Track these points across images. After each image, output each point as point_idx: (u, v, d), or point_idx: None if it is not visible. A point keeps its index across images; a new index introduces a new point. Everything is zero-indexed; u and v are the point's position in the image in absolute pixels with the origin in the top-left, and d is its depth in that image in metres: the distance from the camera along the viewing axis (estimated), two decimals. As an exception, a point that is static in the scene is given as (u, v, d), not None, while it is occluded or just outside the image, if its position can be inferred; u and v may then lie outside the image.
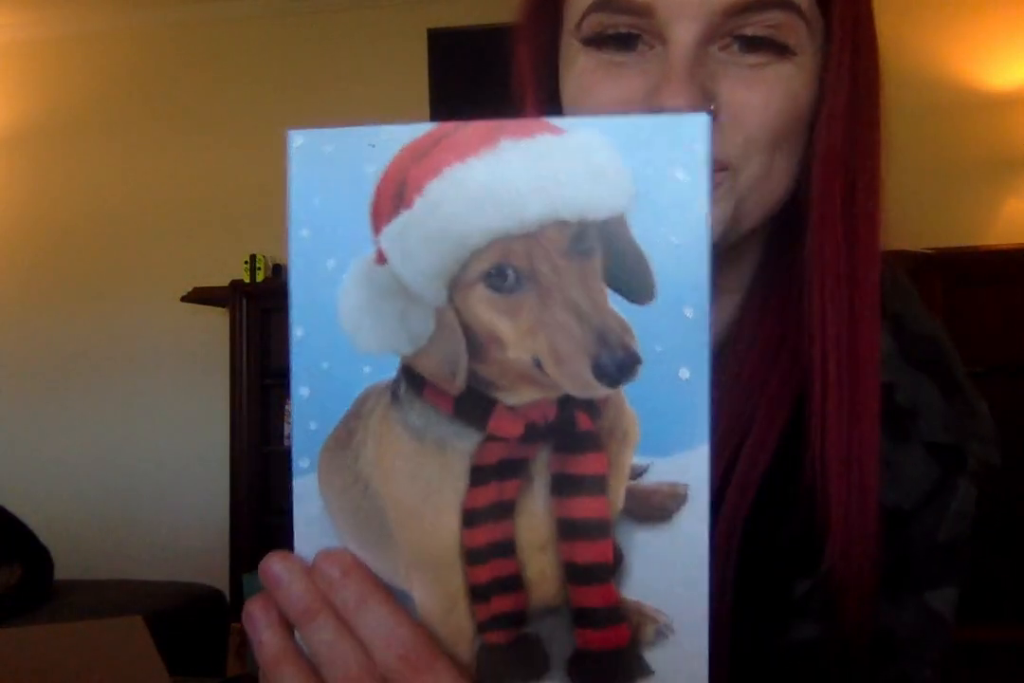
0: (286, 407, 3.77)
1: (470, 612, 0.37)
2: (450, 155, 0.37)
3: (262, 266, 3.63)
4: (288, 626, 0.37)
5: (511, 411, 0.36)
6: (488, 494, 0.36)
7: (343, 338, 0.39)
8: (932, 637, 0.55)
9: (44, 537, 2.60)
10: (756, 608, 0.53)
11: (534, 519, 0.37)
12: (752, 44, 0.50)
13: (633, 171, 0.35)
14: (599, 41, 0.52)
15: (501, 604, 0.37)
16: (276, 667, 0.36)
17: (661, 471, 0.36)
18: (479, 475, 0.37)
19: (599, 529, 0.36)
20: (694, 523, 0.36)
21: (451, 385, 0.36)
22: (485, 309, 0.36)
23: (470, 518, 0.37)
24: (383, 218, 0.37)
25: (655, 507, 0.36)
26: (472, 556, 0.37)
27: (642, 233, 0.35)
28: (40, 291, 4.06)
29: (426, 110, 3.56)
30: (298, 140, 0.43)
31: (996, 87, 3.36)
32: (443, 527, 0.37)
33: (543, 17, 0.57)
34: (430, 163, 0.38)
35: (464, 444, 0.37)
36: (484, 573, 0.37)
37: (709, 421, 0.36)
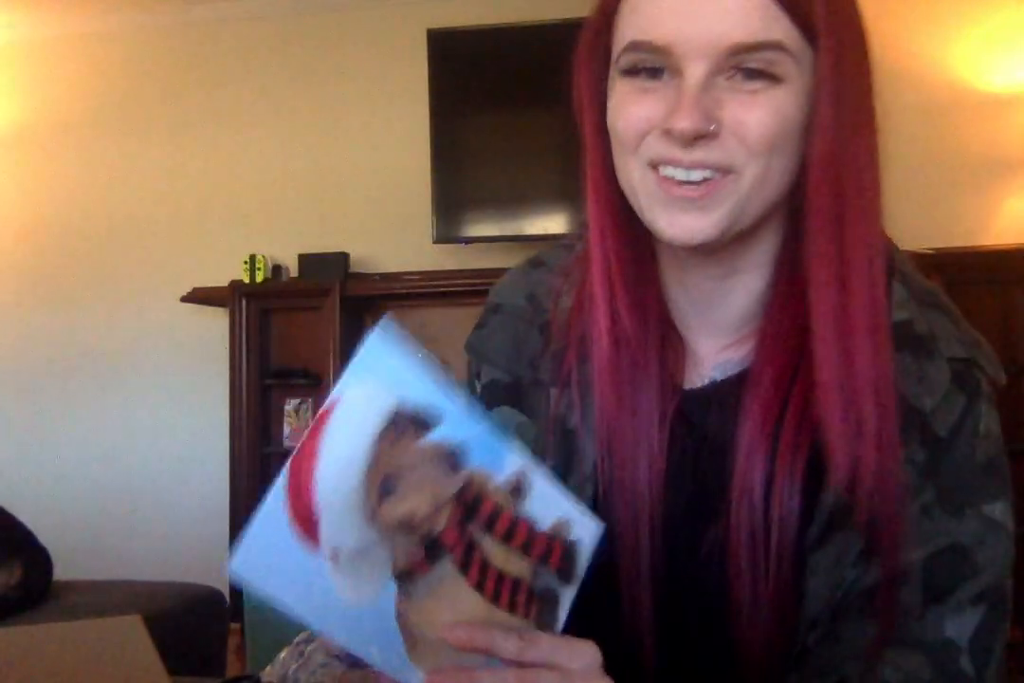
0: (285, 407, 3.78)
1: None
2: None
3: (262, 266, 3.63)
4: None
5: None
6: None
7: None
8: (1001, 545, 0.66)
9: (44, 537, 2.60)
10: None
11: None
12: (751, 74, 0.63)
13: None
14: (633, 71, 0.66)
15: None
16: None
17: None
18: None
19: None
20: None
21: None
22: None
23: None
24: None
25: None
26: None
27: None
28: (39, 291, 4.07)
29: (426, 110, 3.57)
30: None
31: (996, 87, 3.36)
32: None
33: (596, 53, 0.70)
34: None
35: None
36: None
37: None
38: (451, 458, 0.51)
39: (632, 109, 0.66)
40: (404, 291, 3.59)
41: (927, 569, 0.65)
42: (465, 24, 3.58)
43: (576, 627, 0.57)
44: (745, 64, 0.63)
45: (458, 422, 0.51)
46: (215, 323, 3.79)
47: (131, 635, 1.17)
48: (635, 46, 0.65)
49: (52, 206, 4.07)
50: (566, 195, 3.32)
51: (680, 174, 0.64)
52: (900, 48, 3.28)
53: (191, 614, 2.52)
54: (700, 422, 0.70)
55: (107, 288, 4.00)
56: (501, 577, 0.53)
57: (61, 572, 2.62)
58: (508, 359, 0.77)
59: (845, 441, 0.63)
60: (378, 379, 0.49)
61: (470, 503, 0.52)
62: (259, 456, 3.59)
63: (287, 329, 3.73)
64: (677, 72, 0.64)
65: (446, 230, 3.58)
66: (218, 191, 3.89)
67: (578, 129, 0.72)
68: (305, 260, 3.62)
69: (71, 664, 1.13)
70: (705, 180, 0.64)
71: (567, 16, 3.05)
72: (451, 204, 3.57)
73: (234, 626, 2.84)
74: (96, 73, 4.06)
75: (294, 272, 3.69)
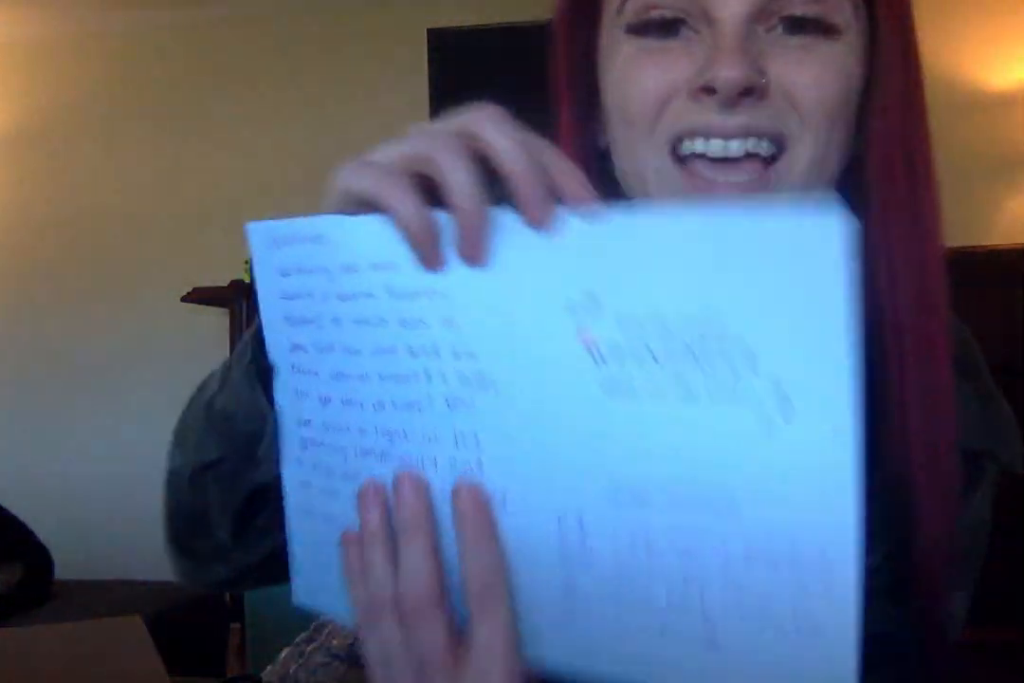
0: (286, 407, 3.77)
1: None
2: None
3: (262, 266, 3.62)
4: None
5: None
6: None
7: None
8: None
9: (44, 537, 2.60)
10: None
11: None
12: (798, 24, 0.50)
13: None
14: (642, 28, 0.53)
15: None
16: (371, 541, 0.45)
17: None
18: None
19: None
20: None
21: None
22: None
23: None
24: None
25: None
26: None
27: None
28: (39, 291, 4.06)
29: (426, 110, 3.56)
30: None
31: (996, 87, 3.35)
32: None
33: (582, 12, 0.56)
34: None
35: None
36: None
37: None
38: None
39: (647, 75, 0.52)
40: (404, 291, 3.59)
41: None
42: (465, 24, 3.58)
43: None
44: (792, 10, 0.50)
45: None
46: (215, 323, 3.79)
47: (131, 636, 1.17)
48: None
49: (52, 206, 4.07)
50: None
51: (716, 148, 0.51)
52: (900, 48, 3.28)
53: (191, 614, 2.52)
54: None
55: (107, 287, 4.00)
56: None
57: (61, 572, 2.62)
58: None
59: (932, 501, 0.53)
60: None
61: None
62: (259, 456, 3.59)
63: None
64: (704, 20, 0.51)
65: (446, 230, 3.57)
66: (218, 191, 3.89)
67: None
68: (305, 260, 3.61)
69: (71, 664, 1.13)
70: (748, 156, 0.51)
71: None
72: (451, 204, 3.57)
73: (234, 626, 2.83)
74: (96, 73, 4.06)
75: (294, 272, 3.69)
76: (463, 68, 3.58)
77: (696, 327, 0.38)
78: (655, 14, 0.52)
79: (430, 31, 3.56)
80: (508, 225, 0.41)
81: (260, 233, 0.51)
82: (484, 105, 0.43)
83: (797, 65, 0.50)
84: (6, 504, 2.65)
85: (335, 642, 1.55)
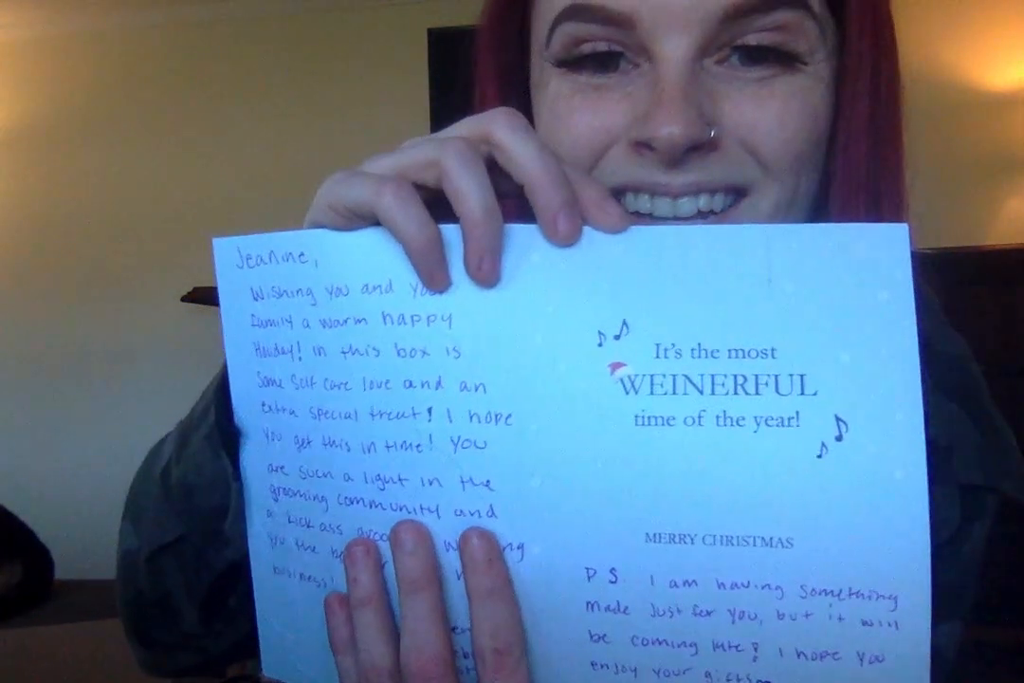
0: (286, 407, 3.77)
1: None
2: None
3: (262, 266, 3.62)
4: (380, 574, 0.40)
5: None
6: None
7: None
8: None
9: (44, 537, 2.60)
10: None
11: None
12: (755, 55, 0.43)
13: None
14: (573, 63, 0.45)
15: None
16: (363, 606, 0.39)
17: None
18: None
19: None
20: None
21: None
22: None
23: None
24: None
25: None
26: None
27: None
28: (39, 290, 4.06)
29: (426, 110, 3.56)
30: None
31: (996, 87, 3.35)
32: None
33: (507, 34, 0.49)
34: None
35: None
36: None
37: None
38: None
39: (580, 119, 0.45)
40: (404, 291, 3.59)
41: None
42: (465, 24, 3.57)
43: None
44: (746, 39, 0.42)
45: None
46: (215, 323, 3.78)
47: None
48: (576, 11, 0.43)
49: (52, 206, 4.06)
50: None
51: (664, 208, 0.44)
52: (899, 48, 3.27)
53: (191, 614, 2.51)
54: None
55: (107, 287, 4.00)
56: None
57: (61, 572, 2.62)
58: None
59: None
60: None
61: None
62: (259, 456, 3.59)
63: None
64: (644, 54, 0.43)
65: (446, 230, 3.57)
66: (218, 191, 3.89)
67: None
68: (305, 260, 3.61)
69: (71, 664, 1.13)
70: (701, 215, 0.44)
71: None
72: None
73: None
74: (95, 72, 4.05)
75: (294, 272, 3.69)
76: (463, 68, 3.57)
77: (743, 356, 0.35)
78: (586, 48, 0.44)
79: (430, 31, 3.55)
80: (523, 241, 0.37)
81: (227, 249, 0.44)
82: (500, 108, 0.37)
83: (755, 105, 0.43)
84: (6, 504, 2.64)
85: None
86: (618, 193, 0.45)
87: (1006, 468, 0.53)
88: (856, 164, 0.47)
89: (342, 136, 3.84)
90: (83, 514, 3.90)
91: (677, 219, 0.44)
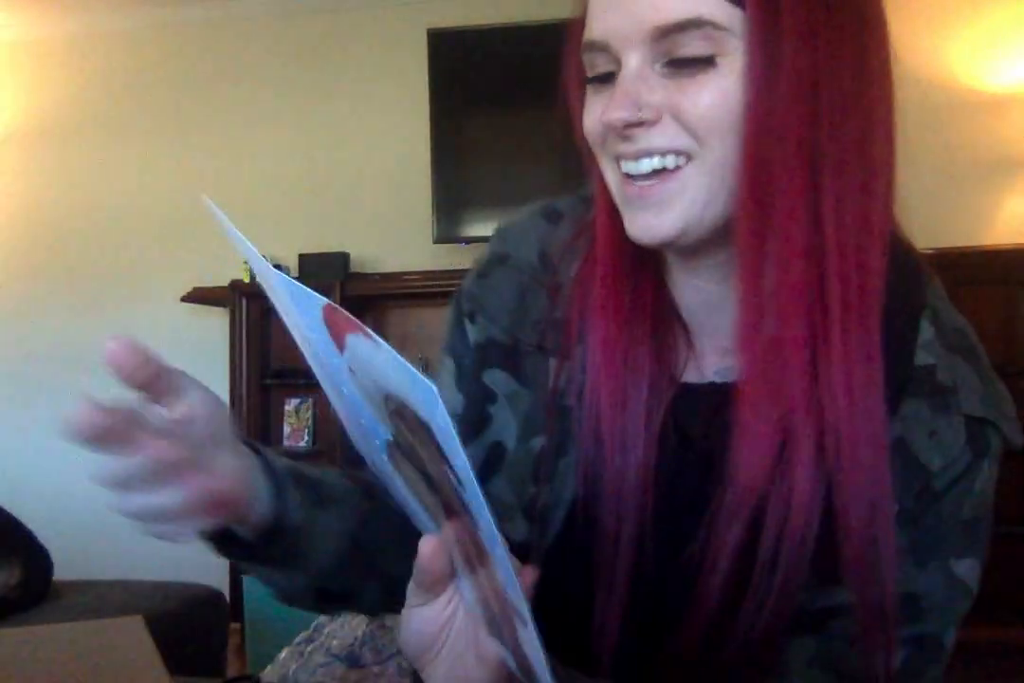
0: (285, 407, 3.78)
1: None
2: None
3: (262, 266, 3.63)
4: None
5: None
6: None
7: None
8: (955, 600, 0.65)
9: (44, 537, 2.60)
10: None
11: None
12: (681, 62, 0.60)
13: None
14: (593, 78, 0.66)
15: None
16: None
17: None
18: None
19: None
20: None
21: None
22: None
23: None
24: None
25: None
26: None
27: None
28: (40, 291, 4.06)
29: (426, 110, 3.56)
30: None
31: (996, 87, 3.36)
32: None
33: (574, 63, 0.69)
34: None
35: None
36: None
37: None
38: None
39: (593, 112, 0.65)
40: (404, 291, 3.59)
41: None
42: (465, 24, 3.58)
43: (545, 610, 0.53)
44: (677, 52, 0.60)
45: None
46: (215, 323, 3.79)
47: (132, 635, 1.17)
48: (587, 47, 0.64)
49: (52, 206, 4.07)
50: (566, 195, 3.32)
51: (631, 167, 0.62)
52: (899, 48, 3.27)
53: (191, 614, 2.52)
54: (685, 423, 0.66)
55: (107, 287, 4.00)
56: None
57: (61, 572, 2.62)
58: (511, 318, 0.73)
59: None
60: None
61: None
62: (259, 456, 3.59)
63: (287, 329, 3.72)
64: (620, 69, 0.62)
65: (446, 230, 3.57)
66: (218, 191, 3.89)
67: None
68: (305, 260, 3.62)
69: (71, 664, 1.13)
70: (656, 172, 0.62)
71: (567, 16, 3.04)
72: (451, 204, 3.57)
73: (234, 626, 2.84)
74: (96, 73, 4.06)
75: (294, 272, 3.69)
76: (463, 68, 3.58)
77: None
78: (598, 69, 0.64)
79: (430, 31, 3.56)
80: None
81: None
82: None
83: (680, 92, 0.60)
84: (6, 504, 2.65)
85: (335, 642, 1.55)
86: (616, 160, 0.64)
87: (1003, 411, 0.65)
88: (748, 146, 0.60)
89: (343, 135, 3.84)
90: (83, 514, 3.90)
91: (641, 176, 0.62)
